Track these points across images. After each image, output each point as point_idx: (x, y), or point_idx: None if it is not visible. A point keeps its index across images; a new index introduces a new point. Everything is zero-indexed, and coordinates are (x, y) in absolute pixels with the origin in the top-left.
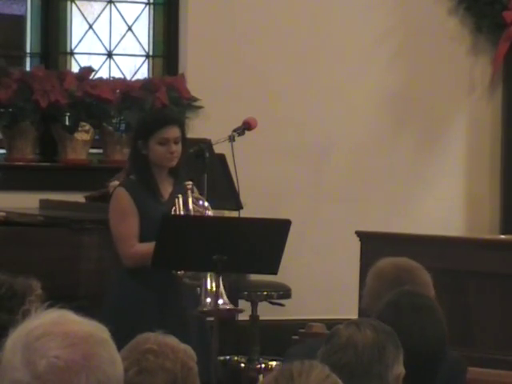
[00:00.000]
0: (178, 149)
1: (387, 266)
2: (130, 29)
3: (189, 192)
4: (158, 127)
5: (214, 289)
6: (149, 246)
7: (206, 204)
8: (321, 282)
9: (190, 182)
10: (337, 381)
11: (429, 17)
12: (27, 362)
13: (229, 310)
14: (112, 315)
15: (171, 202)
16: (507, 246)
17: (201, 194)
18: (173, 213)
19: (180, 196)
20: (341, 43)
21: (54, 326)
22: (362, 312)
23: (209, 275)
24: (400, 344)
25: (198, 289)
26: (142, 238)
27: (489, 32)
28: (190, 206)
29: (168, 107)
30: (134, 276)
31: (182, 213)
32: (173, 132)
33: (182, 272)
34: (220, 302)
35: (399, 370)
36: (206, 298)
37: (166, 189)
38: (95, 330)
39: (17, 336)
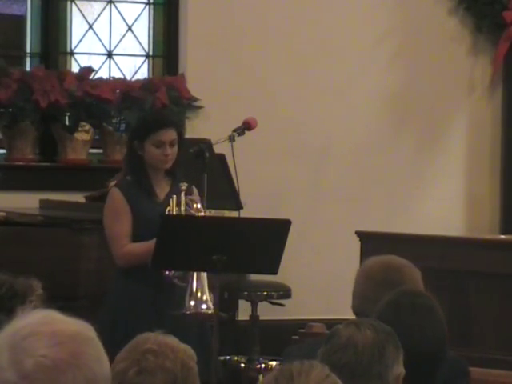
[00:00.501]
0: (173, 151)
1: (375, 265)
2: (130, 29)
3: (182, 193)
4: (153, 129)
5: (200, 292)
6: (141, 246)
7: (199, 206)
8: (321, 282)
9: (185, 184)
10: (336, 381)
11: (429, 17)
12: (14, 361)
13: (210, 314)
14: (110, 315)
15: (167, 202)
16: (507, 246)
17: (201, 194)
18: (166, 213)
19: (174, 197)
20: (341, 43)
21: (41, 326)
22: (354, 313)
23: (195, 277)
24: (400, 344)
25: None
26: (138, 239)
27: (489, 32)
28: (182, 207)
29: (168, 107)
30: (130, 276)
31: (174, 213)
32: (169, 135)
33: (172, 272)
34: (203, 306)
35: (399, 370)
36: (189, 300)
37: (163, 189)
38: (82, 328)
39: (3, 336)
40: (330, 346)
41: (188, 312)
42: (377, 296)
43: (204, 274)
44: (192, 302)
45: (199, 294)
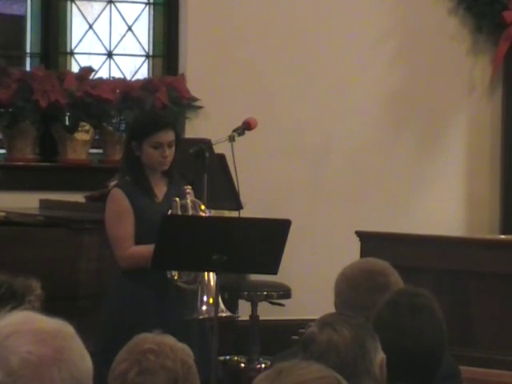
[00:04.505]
0: (171, 152)
1: (352, 271)
2: (130, 29)
3: (188, 196)
4: (152, 131)
5: (211, 299)
6: (144, 249)
7: (203, 207)
8: (321, 282)
9: (190, 187)
10: None
11: (429, 17)
12: None
13: (225, 317)
14: (112, 316)
15: (166, 202)
16: (507, 246)
17: (201, 194)
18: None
19: (178, 199)
20: (341, 43)
21: (22, 325)
22: None
23: (205, 284)
24: (374, 332)
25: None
26: (138, 239)
27: (489, 32)
28: (190, 212)
29: (168, 107)
30: (133, 276)
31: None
32: (167, 136)
33: (175, 274)
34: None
35: (381, 356)
36: (201, 305)
37: (161, 189)
38: (62, 325)
39: None
40: (309, 354)
41: (201, 317)
42: (365, 302)
43: (212, 277)
44: (204, 307)
45: (210, 299)
